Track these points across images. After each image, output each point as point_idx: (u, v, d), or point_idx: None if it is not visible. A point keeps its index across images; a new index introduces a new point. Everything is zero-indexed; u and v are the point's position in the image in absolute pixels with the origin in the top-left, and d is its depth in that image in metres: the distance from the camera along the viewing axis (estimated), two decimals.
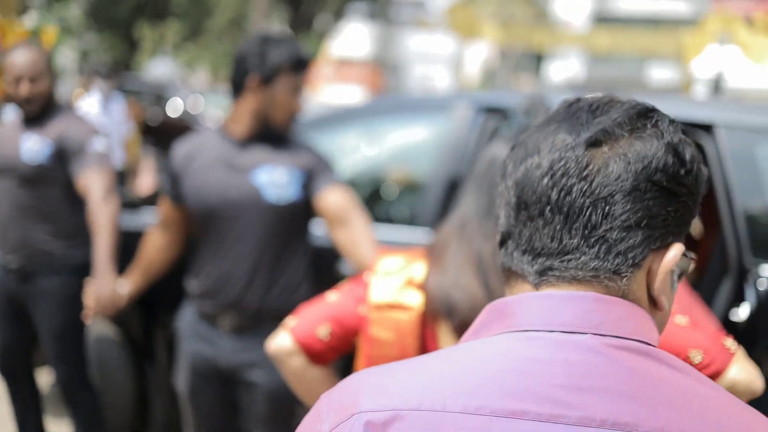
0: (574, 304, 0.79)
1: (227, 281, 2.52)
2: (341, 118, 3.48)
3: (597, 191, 0.79)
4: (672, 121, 0.84)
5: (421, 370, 0.78)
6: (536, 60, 35.94)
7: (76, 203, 3.03)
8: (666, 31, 27.82)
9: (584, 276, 0.80)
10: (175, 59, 25.16)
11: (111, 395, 3.47)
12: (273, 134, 2.55)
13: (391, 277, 1.61)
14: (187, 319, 2.66)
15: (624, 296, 0.80)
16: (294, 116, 2.57)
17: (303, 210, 2.55)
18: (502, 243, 0.87)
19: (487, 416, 0.73)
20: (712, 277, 3.33)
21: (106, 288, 2.71)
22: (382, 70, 23.95)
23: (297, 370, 1.64)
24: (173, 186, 2.62)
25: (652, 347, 0.78)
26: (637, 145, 0.80)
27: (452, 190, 3.15)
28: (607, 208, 0.79)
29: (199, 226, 2.58)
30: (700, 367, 1.44)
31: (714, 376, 1.44)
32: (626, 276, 0.80)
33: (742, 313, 2.60)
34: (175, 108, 15.06)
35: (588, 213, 0.79)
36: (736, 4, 25.73)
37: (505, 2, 34.07)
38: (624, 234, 0.79)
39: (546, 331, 0.78)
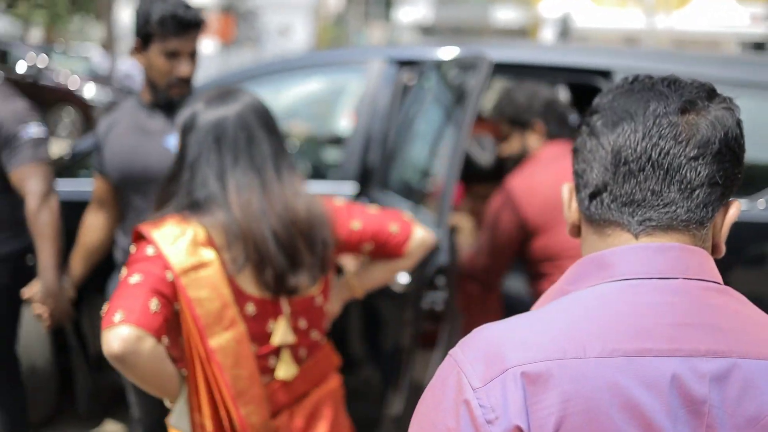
0: (665, 254, 0.92)
1: None
2: (251, 75, 3.45)
3: (691, 152, 0.93)
4: (732, 100, 0.99)
5: (544, 323, 0.90)
6: (385, 4, 36.08)
7: (6, 192, 2.75)
8: None
9: (678, 225, 0.94)
10: (7, 14, 23.39)
11: (34, 375, 3.36)
12: (175, 99, 2.52)
13: (177, 244, 1.71)
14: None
15: (703, 243, 0.96)
16: (177, 82, 2.49)
17: None
18: (594, 196, 0.98)
19: (622, 357, 0.85)
20: None
21: (54, 294, 2.60)
22: (234, 19, 23.27)
23: (151, 353, 1.60)
24: (99, 159, 2.61)
25: (723, 285, 0.94)
26: (718, 114, 0.95)
27: (368, 144, 3.23)
28: (698, 167, 0.93)
29: (121, 193, 2.57)
30: (397, 235, 2.03)
31: (406, 239, 2.03)
32: (706, 226, 0.96)
33: None
34: (21, 65, 14.12)
35: (684, 171, 0.93)
36: None
37: None
38: (709, 190, 0.94)
39: (645, 278, 0.91)
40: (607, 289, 0.92)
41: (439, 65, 3.22)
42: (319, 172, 3.84)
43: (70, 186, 3.28)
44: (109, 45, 18.57)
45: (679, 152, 0.93)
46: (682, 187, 0.93)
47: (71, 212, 2.94)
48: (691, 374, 0.85)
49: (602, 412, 0.83)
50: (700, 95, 0.96)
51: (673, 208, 0.94)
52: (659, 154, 0.93)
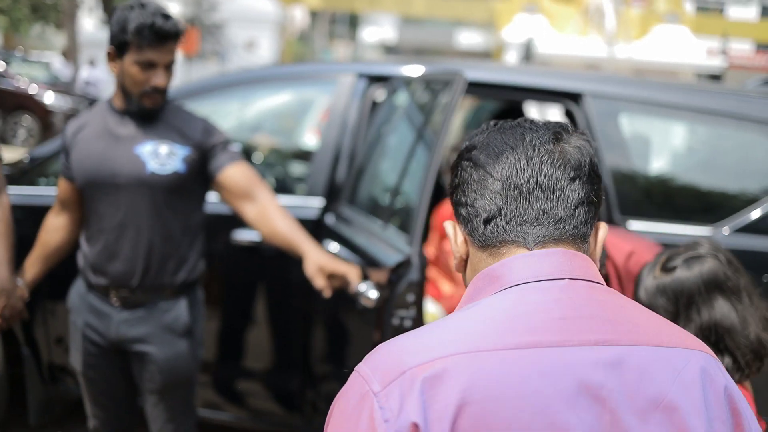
0: (551, 258, 1.01)
1: (115, 256, 2.47)
2: (215, 86, 3.43)
3: (569, 174, 1.03)
4: (586, 133, 1.10)
5: (440, 329, 0.96)
6: (349, 24, 36.25)
7: None
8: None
9: (566, 239, 1.03)
10: None
11: None
12: (148, 108, 2.48)
13: None
14: (78, 291, 2.59)
15: (585, 253, 1.06)
16: (152, 91, 2.43)
17: (192, 183, 2.53)
18: (489, 221, 1.04)
19: (516, 349, 0.91)
20: None
21: (6, 291, 2.51)
22: (199, 32, 23.12)
23: None
24: (65, 163, 2.55)
25: (603, 284, 1.03)
26: (580, 143, 1.06)
27: (337, 159, 3.22)
28: (577, 188, 1.04)
29: (86, 199, 2.52)
30: None
31: None
32: (587, 241, 1.06)
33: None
34: None
35: (567, 191, 1.03)
36: None
37: None
38: (587, 208, 1.05)
39: (534, 281, 0.99)
40: (500, 296, 0.99)
41: (410, 82, 3.22)
42: (285, 187, 3.81)
43: (27, 192, 3.21)
44: (70, 53, 18.32)
45: (560, 175, 1.03)
46: (567, 205, 1.03)
47: (28, 218, 2.87)
48: (584, 362, 0.92)
49: (500, 400, 0.88)
50: (565, 127, 1.08)
51: (562, 224, 1.02)
52: (544, 177, 1.02)
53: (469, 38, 29.53)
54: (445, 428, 0.87)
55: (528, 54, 17.00)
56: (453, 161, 1.13)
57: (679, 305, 1.69)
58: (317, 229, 3.02)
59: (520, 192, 1.02)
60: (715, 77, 19.04)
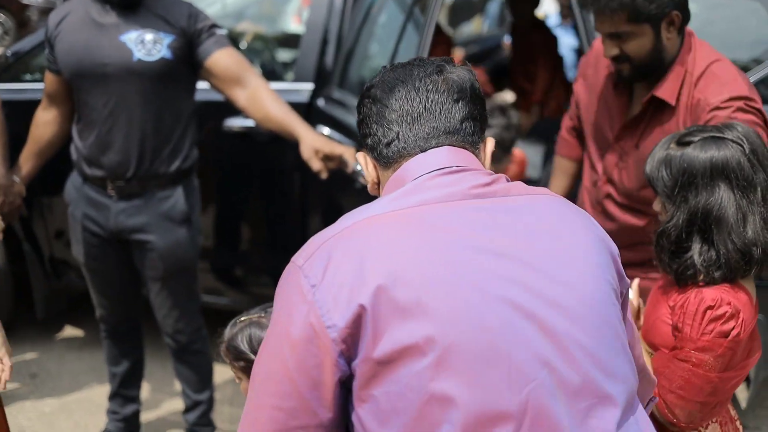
0: (437, 154, 1.19)
1: (108, 147, 2.45)
2: None
3: (454, 97, 1.21)
4: (468, 63, 1.29)
5: (355, 211, 1.16)
6: None
7: None
8: None
9: (457, 146, 1.22)
10: None
11: None
12: None
13: None
14: (74, 184, 2.59)
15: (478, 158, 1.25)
16: None
17: (180, 71, 2.49)
18: (390, 143, 1.21)
19: (408, 208, 1.12)
20: None
21: (2, 187, 2.51)
22: None
23: None
24: (50, 56, 2.50)
25: (480, 170, 1.22)
26: (460, 72, 1.24)
27: (325, 42, 3.16)
28: (462, 107, 1.22)
29: (74, 90, 2.49)
30: None
31: None
32: (478, 148, 1.25)
33: None
34: None
35: (453, 110, 1.21)
36: None
37: None
38: (473, 123, 1.23)
39: (426, 173, 1.17)
40: (402, 188, 1.18)
41: None
42: (273, 73, 3.75)
43: (12, 87, 3.16)
44: None
45: (445, 99, 1.21)
46: (454, 122, 1.21)
47: (16, 114, 2.83)
48: (469, 206, 1.14)
49: (396, 244, 1.07)
50: (447, 61, 1.26)
51: (452, 135, 1.21)
52: (431, 102, 1.20)
53: None
54: (363, 276, 1.04)
55: None
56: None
57: (678, 182, 1.60)
58: (308, 114, 3.00)
59: (412, 117, 1.20)
60: None
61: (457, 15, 7.38)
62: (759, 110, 1.98)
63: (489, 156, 1.27)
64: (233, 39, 3.76)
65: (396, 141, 1.20)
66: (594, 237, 1.16)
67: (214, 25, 2.53)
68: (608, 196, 2.25)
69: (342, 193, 2.90)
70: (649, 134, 2.11)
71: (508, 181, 1.21)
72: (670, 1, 1.99)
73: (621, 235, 1.97)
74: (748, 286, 1.60)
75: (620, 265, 1.19)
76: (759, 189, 1.58)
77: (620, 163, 2.19)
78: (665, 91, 2.05)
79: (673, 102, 2.04)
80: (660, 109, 2.08)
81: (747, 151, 1.58)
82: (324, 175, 2.45)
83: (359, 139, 1.27)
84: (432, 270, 1.05)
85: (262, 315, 1.66)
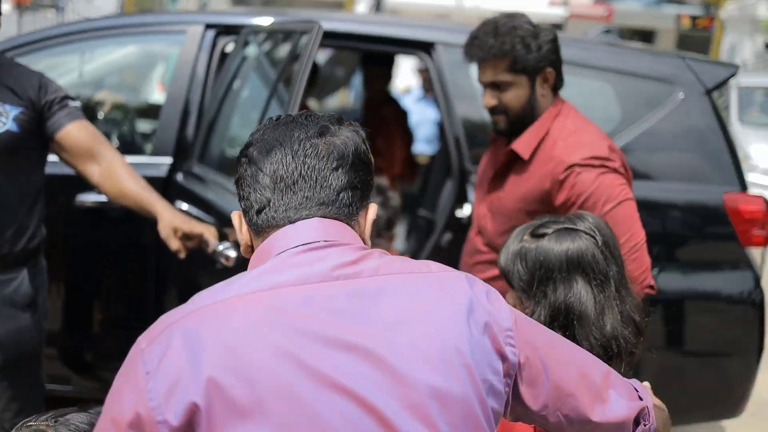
0: (306, 226, 1.13)
1: None
2: (57, 38, 3.17)
3: (332, 164, 1.14)
4: (357, 123, 1.23)
5: (204, 291, 1.10)
6: None
7: None
8: None
9: (333, 216, 1.15)
10: None
11: None
12: None
13: None
14: None
15: (354, 229, 1.17)
16: None
17: (28, 145, 2.35)
18: (261, 211, 1.14)
19: (257, 292, 1.05)
20: (437, 180, 3.70)
21: None
22: None
23: None
24: None
25: (351, 245, 1.14)
26: (347, 135, 1.17)
27: (186, 114, 3.08)
28: (340, 176, 1.15)
29: None
30: None
31: None
32: (354, 220, 1.17)
33: (465, 210, 2.95)
34: None
35: (330, 179, 1.14)
36: None
37: None
38: (351, 192, 1.16)
39: (292, 248, 1.11)
40: (264, 264, 1.11)
41: (262, 33, 3.11)
42: (131, 145, 3.61)
43: None
44: None
45: (323, 166, 1.14)
46: (330, 192, 1.14)
47: None
48: (325, 292, 1.07)
49: (239, 333, 1.00)
50: (332, 122, 1.18)
51: (325, 207, 1.14)
52: (307, 169, 1.13)
53: None
54: (199, 370, 0.97)
55: (378, 3, 16.98)
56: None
57: (535, 276, 1.57)
58: (166, 189, 2.89)
59: (285, 184, 1.13)
60: (557, 26, 19.83)
61: (323, 88, 7.46)
62: (616, 169, 2.11)
63: (369, 224, 1.21)
64: (90, 109, 3.60)
65: (267, 209, 1.13)
66: (462, 319, 1.06)
67: (66, 97, 2.40)
68: (477, 246, 2.38)
69: (202, 274, 2.79)
70: (508, 186, 2.27)
71: (383, 255, 1.13)
72: (546, 58, 2.20)
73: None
74: None
75: (504, 339, 1.09)
76: (612, 282, 1.57)
77: (488, 214, 2.34)
78: (520, 143, 2.20)
79: (526, 156, 2.18)
80: (519, 163, 2.22)
81: (599, 243, 1.58)
82: (182, 255, 2.34)
83: (238, 198, 1.21)
84: (273, 365, 0.98)
85: (50, 424, 1.40)
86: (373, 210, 1.22)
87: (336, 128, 1.17)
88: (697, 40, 28.74)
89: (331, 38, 3.10)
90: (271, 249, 1.11)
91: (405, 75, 9.70)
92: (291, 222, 1.12)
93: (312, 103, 6.30)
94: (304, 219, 1.12)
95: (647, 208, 2.72)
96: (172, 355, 0.99)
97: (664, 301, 2.86)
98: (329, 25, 2.88)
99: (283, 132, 1.16)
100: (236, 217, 1.21)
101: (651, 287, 2.09)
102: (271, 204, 1.13)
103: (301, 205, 1.12)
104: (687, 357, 2.92)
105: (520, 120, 2.23)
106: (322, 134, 1.15)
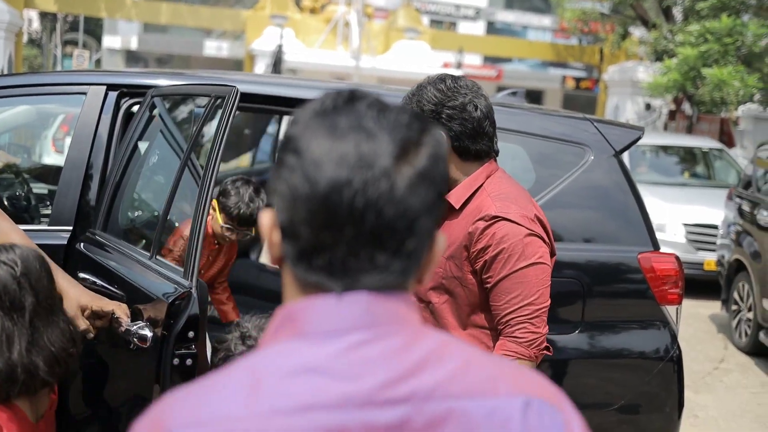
0: (349, 306, 0.84)
1: None
2: None
3: (408, 212, 0.83)
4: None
5: (224, 385, 0.84)
6: (85, 30, 34.11)
7: None
8: (224, 7, 28.57)
9: (387, 287, 0.86)
10: None
11: None
12: None
13: None
14: None
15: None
16: None
17: None
18: (302, 257, 0.85)
19: (284, 414, 0.79)
20: None
21: None
22: None
23: None
24: None
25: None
26: (429, 148, 0.86)
27: (87, 179, 2.90)
28: (415, 226, 0.84)
29: None
30: None
31: None
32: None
33: None
34: None
35: (400, 231, 0.84)
36: None
37: None
38: (423, 243, 0.86)
39: (322, 332, 0.84)
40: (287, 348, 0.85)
41: (169, 95, 2.99)
42: (27, 211, 3.38)
43: None
44: None
45: (396, 213, 0.83)
46: (395, 249, 0.85)
47: None
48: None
49: None
50: (411, 123, 0.86)
51: (384, 273, 0.86)
52: (374, 216, 0.83)
53: (217, 47, 28.93)
54: None
55: (277, 63, 17.03)
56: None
57: None
58: (67, 259, 2.70)
59: (339, 229, 0.84)
60: None
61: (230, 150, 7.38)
62: (540, 235, 2.15)
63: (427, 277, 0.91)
64: None
65: (314, 258, 0.85)
66: None
67: None
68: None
69: (112, 356, 2.57)
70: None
71: (440, 358, 0.85)
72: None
73: None
74: (22, 404, 1.65)
75: None
76: (27, 312, 1.64)
77: None
78: (453, 195, 2.23)
79: (457, 206, 2.22)
80: (450, 214, 2.25)
81: (18, 275, 1.65)
82: (90, 335, 2.16)
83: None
84: None
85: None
86: (443, 236, 0.95)
87: (415, 137, 0.86)
88: (581, 100, 30.33)
89: (247, 101, 3.01)
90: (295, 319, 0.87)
91: None
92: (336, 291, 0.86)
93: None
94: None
95: (564, 269, 2.75)
96: None
97: (583, 360, 2.87)
98: (247, 88, 2.79)
99: (342, 136, 0.83)
100: (267, 216, 0.90)
101: (547, 348, 2.15)
102: (317, 253, 0.86)
103: (352, 270, 0.85)
104: (608, 414, 2.92)
105: None
106: (403, 154, 0.83)
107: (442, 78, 2.22)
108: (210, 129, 2.29)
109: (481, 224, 2.13)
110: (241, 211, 3.24)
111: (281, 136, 3.07)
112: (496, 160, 2.29)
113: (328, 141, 0.83)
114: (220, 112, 2.25)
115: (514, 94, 4.03)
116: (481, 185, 2.22)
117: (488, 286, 2.12)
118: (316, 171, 0.82)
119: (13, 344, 1.60)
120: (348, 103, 0.86)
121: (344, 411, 0.80)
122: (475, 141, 2.21)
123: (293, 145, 0.85)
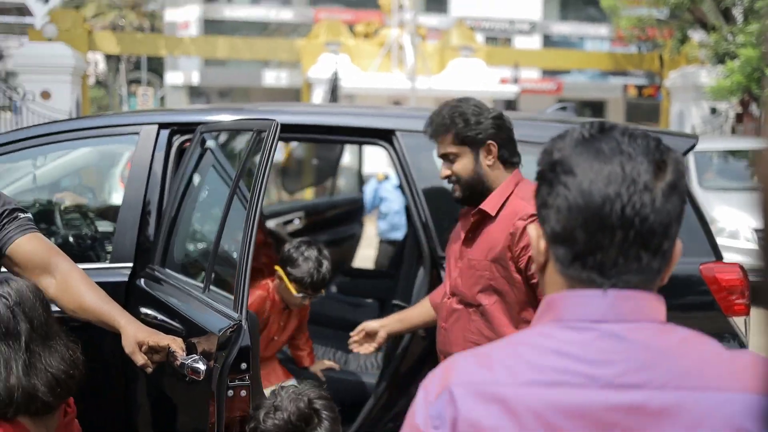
0: (610, 300, 1.02)
1: None
2: (13, 144, 3.08)
3: (665, 218, 1.02)
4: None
5: (494, 356, 1.05)
6: (149, 68, 35.20)
7: None
8: (279, 38, 29.11)
9: (641, 285, 1.03)
10: None
11: None
12: None
13: None
14: None
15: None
16: None
17: None
18: (577, 258, 1.03)
19: (542, 387, 0.99)
20: (409, 268, 3.62)
21: None
22: None
23: None
24: None
25: (665, 323, 1.03)
26: (674, 165, 1.04)
27: (145, 216, 2.98)
28: (670, 229, 1.02)
29: None
30: None
31: None
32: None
33: None
34: None
35: (659, 234, 1.02)
36: (338, 14, 27.89)
37: (112, 8, 32.76)
38: (672, 245, 1.04)
39: (577, 320, 1.02)
40: (547, 331, 1.04)
41: (219, 131, 3.06)
42: (90, 249, 3.48)
43: None
44: None
45: (656, 220, 1.01)
46: (653, 250, 1.02)
47: None
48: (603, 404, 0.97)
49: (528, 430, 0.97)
50: (659, 148, 1.04)
51: (643, 273, 1.03)
52: (641, 222, 1.01)
53: (275, 77, 29.46)
54: None
55: (334, 90, 17.18)
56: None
57: None
58: (128, 295, 2.76)
59: (611, 234, 1.03)
60: (510, 102, 20.23)
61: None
62: None
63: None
64: (48, 214, 3.49)
65: (588, 259, 1.03)
66: None
67: (16, 209, 2.29)
68: (452, 306, 2.54)
69: (172, 388, 2.62)
70: (477, 243, 2.47)
71: (679, 355, 0.99)
72: (485, 132, 2.45)
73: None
74: (24, 421, 1.71)
75: None
76: (23, 338, 1.71)
77: (459, 275, 2.52)
78: (488, 203, 2.43)
79: (493, 213, 2.41)
80: (487, 221, 2.44)
81: (11, 304, 1.73)
82: (149, 370, 2.20)
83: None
84: None
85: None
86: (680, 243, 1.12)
87: (665, 159, 1.06)
88: (645, 108, 29.74)
89: (291, 131, 3.06)
90: (554, 308, 1.06)
91: (382, 162, 9.74)
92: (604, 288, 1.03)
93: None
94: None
95: None
96: (450, 417, 1.01)
97: None
98: (287, 119, 2.84)
99: (608, 159, 1.05)
100: (533, 229, 1.12)
101: None
102: (591, 255, 1.04)
103: (617, 269, 1.03)
104: None
105: (470, 187, 2.49)
106: (659, 170, 1.05)
107: (464, 99, 2.50)
108: (257, 160, 2.32)
109: (521, 223, 2.30)
110: (315, 279, 3.15)
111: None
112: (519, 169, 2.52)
113: (597, 163, 1.02)
114: (263, 144, 2.28)
115: (564, 108, 3.97)
116: (512, 192, 2.42)
117: (534, 281, 2.28)
118: (591, 187, 1.01)
119: (11, 368, 1.69)
120: (602, 132, 1.06)
121: (589, 390, 0.97)
122: (513, 150, 2.50)
123: (565, 167, 1.04)
